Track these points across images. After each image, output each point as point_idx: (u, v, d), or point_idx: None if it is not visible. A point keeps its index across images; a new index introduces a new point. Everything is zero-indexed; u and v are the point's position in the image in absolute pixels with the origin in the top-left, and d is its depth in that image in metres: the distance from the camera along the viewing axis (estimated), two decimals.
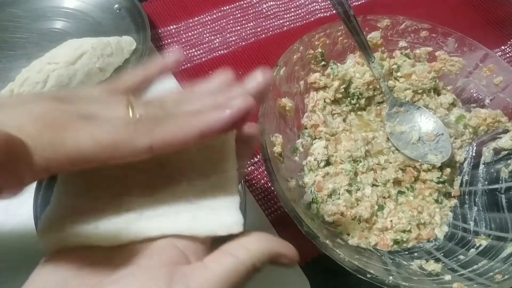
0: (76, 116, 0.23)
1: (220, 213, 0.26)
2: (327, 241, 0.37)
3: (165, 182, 0.28)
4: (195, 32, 0.63)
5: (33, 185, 0.38)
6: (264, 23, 0.65)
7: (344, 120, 0.52)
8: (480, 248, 0.42)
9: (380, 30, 0.52)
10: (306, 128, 0.50)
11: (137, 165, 0.26)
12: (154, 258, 0.24)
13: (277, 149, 0.44)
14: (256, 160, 0.52)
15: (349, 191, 0.46)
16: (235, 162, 0.29)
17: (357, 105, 0.53)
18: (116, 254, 0.25)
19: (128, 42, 0.56)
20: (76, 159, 0.22)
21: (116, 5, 0.61)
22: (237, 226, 0.25)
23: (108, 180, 0.28)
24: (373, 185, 0.47)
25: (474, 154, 0.50)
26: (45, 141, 0.21)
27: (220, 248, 0.24)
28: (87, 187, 0.28)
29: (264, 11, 0.66)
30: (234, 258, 0.23)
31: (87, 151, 0.22)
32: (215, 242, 0.26)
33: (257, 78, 0.28)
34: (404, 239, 0.44)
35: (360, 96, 0.52)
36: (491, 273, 0.38)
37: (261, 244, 0.24)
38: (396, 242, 0.44)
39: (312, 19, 0.66)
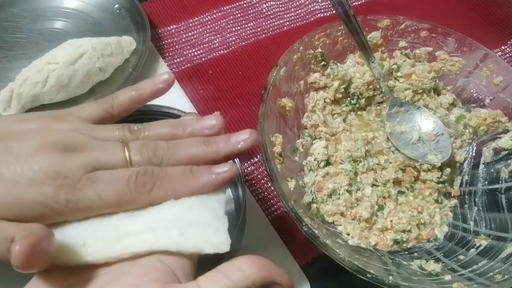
0: (83, 171, 0.27)
1: (209, 231, 0.27)
2: (327, 241, 0.37)
3: None
4: (195, 32, 0.63)
5: None
6: (264, 23, 0.65)
7: (344, 120, 0.52)
8: (480, 248, 0.42)
9: (380, 30, 0.52)
10: (306, 128, 0.50)
11: None
12: (143, 275, 0.24)
13: (277, 149, 0.44)
14: (256, 160, 0.53)
15: (349, 191, 0.46)
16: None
17: (357, 105, 0.53)
18: (104, 271, 0.25)
19: (128, 42, 0.56)
20: (85, 213, 0.27)
21: (116, 5, 0.61)
22: (224, 246, 0.26)
23: None
24: (373, 185, 0.47)
25: (474, 154, 0.50)
26: (61, 202, 0.25)
27: (216, 268, 0.24)
28: None
29: (264, 11, 0.66)
30: (229, 281, 0.23)
31: (95, 208, 0.27)
32: (201, 259, 0.26)
33: (245, 137, 0.31)
34: (404, 239, 0.44)
35: (360, 96, 0.52)
36: (491, 273, 0.38)
37: (257, 268, 0.24)
38: (396, 242, 0.44)
39: (312, 19, 0.66)
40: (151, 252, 0.25)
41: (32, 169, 0.25)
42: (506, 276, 0.37)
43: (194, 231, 0.26)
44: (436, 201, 0.47)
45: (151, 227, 0.27)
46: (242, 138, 0.30)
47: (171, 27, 0.63)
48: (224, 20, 0.64)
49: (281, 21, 0.65)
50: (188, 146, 0.30)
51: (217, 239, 0.26)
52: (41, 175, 0.25)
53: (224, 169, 0.29)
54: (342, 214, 0.45)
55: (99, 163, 0.27)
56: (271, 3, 0.67)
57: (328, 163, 0.48)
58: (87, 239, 0.26)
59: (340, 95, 0.52)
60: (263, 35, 0.64)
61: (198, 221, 0.27)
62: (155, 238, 0.26)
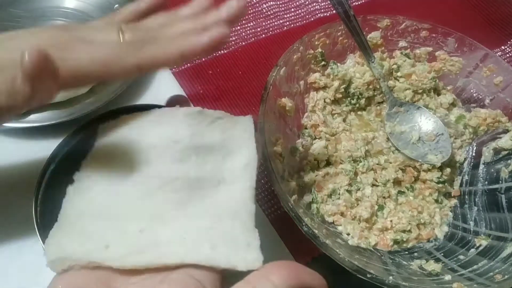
0: (76, 39, 0.28)
1: (241, 247, 0.26)
2: (327, 241, 0.37)
3: (179, 208, 0.28)
4: None
5: (33, 185, 0.38)
6: (264, 23, 0.65)
7: (344, 120, 0.52)
8: (480, 248, 0.42)
9: (380, 30, 0.52)
10: (306, 128, 0.50)
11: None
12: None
13: (277, 149, 0.44)
14: None
15: (349, 191, 0.46)
16: (253, 195, 0.30)
17: (357, 105, 0.53)
18: (131, 281, 0.25)
19: None
20: (76, 74, 0.27)
21: (116, 5, 0.61)
22: (257, 263, 0.25)
23: (124, 201, 0.28)
24: (373, 185, 0.47)
25: (474, 154, 0.50)
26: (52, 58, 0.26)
27: (244, 279, 0.24)
28: (101, 205, 0.28)
29: (264, 11, 0.66)
30: None
31: (84, 67, 0.27)
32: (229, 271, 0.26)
33: (232, 5, 0.31)
34: (404, 239, 0.44)
35: (360, 96, 0.52)
36: (491, 273, 0.38)
37: (286, 276, 0.24)
38: (396, 242, 0.44)
39: (312, 19, 0.66)
40: (182, 264, 0.25)
41: (28, 38, 0.28)
42: (506, 276, 0.37)
43: (226, 245, 0.26)
44: (436, 201, 0.47)
45: (182, 237, 0.26)
46: (230, 5, 0.31)
47: None
48: None
49: (281, 21, 0.65)
50: (179, 24, 0.31)
51: (249, 255, 0.26)
52: (37, 41, 0.27)
53: (213, 29, 0.29)
54: (342, 214, 0.45)
55: (94, 39, 0.29)
56: (271, 3, 0.67)
57: (328, 163, 0.48)
58: (110, 241, 0.25)
59: (340, 95, 0.52)
60: (263, 35, 0.63)
61: (229, 234, 0.27)
62: (186, 251, 0.25)
